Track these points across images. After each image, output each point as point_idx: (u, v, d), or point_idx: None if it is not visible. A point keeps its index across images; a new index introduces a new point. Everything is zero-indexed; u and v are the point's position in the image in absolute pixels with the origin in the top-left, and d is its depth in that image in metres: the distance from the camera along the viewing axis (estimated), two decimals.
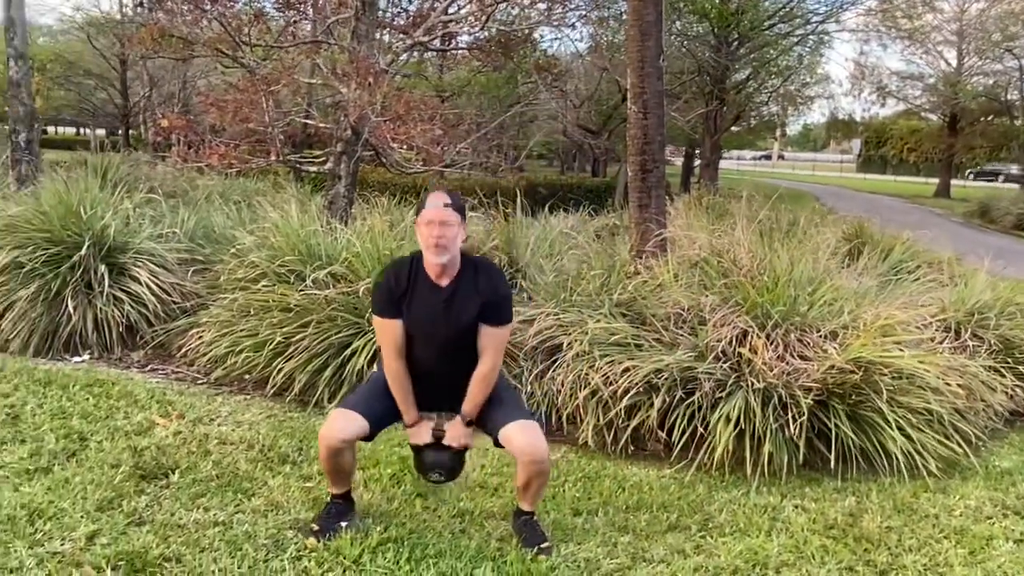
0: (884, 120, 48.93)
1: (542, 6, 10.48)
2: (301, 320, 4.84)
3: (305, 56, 9.80)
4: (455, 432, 3.05)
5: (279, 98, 8.71)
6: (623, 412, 4.19)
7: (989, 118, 33.67)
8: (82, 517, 2.96)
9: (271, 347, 4.78)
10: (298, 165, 9.07)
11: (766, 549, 3.23)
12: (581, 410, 4.31)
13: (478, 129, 10.50)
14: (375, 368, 4.11)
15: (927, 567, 3.17)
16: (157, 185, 9.48)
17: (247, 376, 4.95)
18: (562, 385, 4.45)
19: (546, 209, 9.84)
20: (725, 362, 4.27)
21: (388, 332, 2.99)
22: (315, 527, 3.04)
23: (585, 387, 4.30)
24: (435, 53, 15.66)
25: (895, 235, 8.49)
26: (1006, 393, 4.87)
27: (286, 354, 4.76)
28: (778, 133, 48.95)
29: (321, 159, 8.73)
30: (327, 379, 4.64)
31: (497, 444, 3.04)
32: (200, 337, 5.21)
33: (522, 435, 2.93)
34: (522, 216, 6.80)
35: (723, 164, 31.90)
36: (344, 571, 2.81)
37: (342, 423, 2.93)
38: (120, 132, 27.72)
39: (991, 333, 5.28)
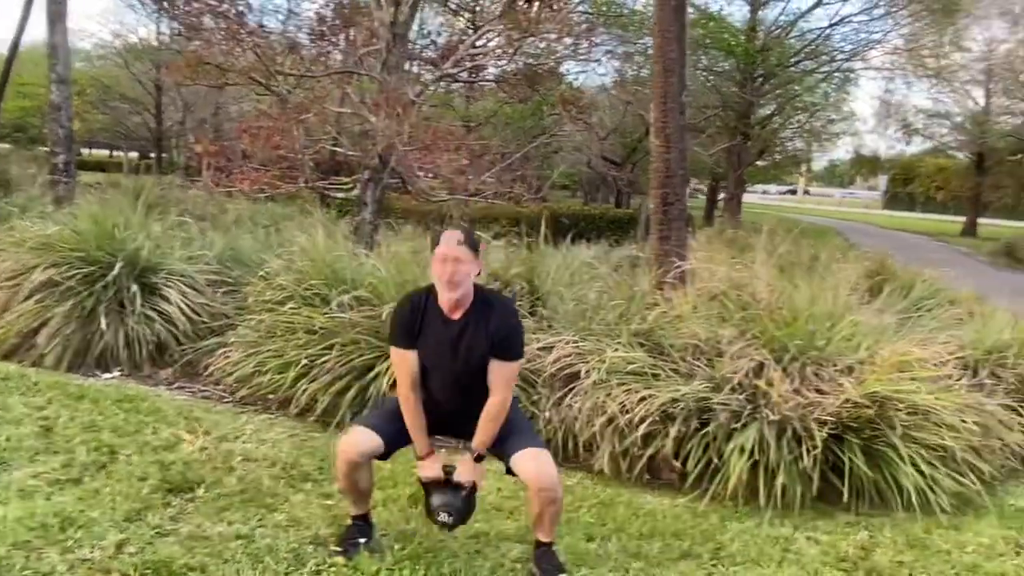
0: (911, 157, 48.78)
1: (569, 41, 10.68)
2: (325, 342, 4.96)
3: (336, 86, 10.05)
4: (465, 468, 3.07)
5: (309, 126, 8.93)
6: (639, 440, 4.25)
7: (1017, 157, 33.45)
8: (111, 526, 3.06)
9: (296, 368, 4.90)
10: (325, 191, 9.27)
11: None
12: (598, 437, 4.37)
13: (503, 159, 10.66)
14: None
15: None
16: (188, 208, 9.69)
17: (271, 396, 5.06)
18: (579, 412, 4.51)
19: (568, 239, 9.93)
20: (741, 394, 4.32)
21: (403, 362, 3.08)
22: (337, 548, 3.11)
23: (602, 415, 4.37)
24: (462, 84, 15.93)
25: (917, 272, 8.49)
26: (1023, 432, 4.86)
27: (310, 375, 4.87)
28: (803, 169, 48.86)
29: (348, 186, 8.92)
30: (349, 401, 4.74)
31: (509, 472, 3.08)
32: (227, 357, 5.34)
33: (533, 463, 2.96)
34: (545, 245, 6.90)
35: (748, 198, 31.95)
36: None
37: (360, 438, 3.02)
38: (153, 155, 28.31)
39: (1009, 372, 5.29)
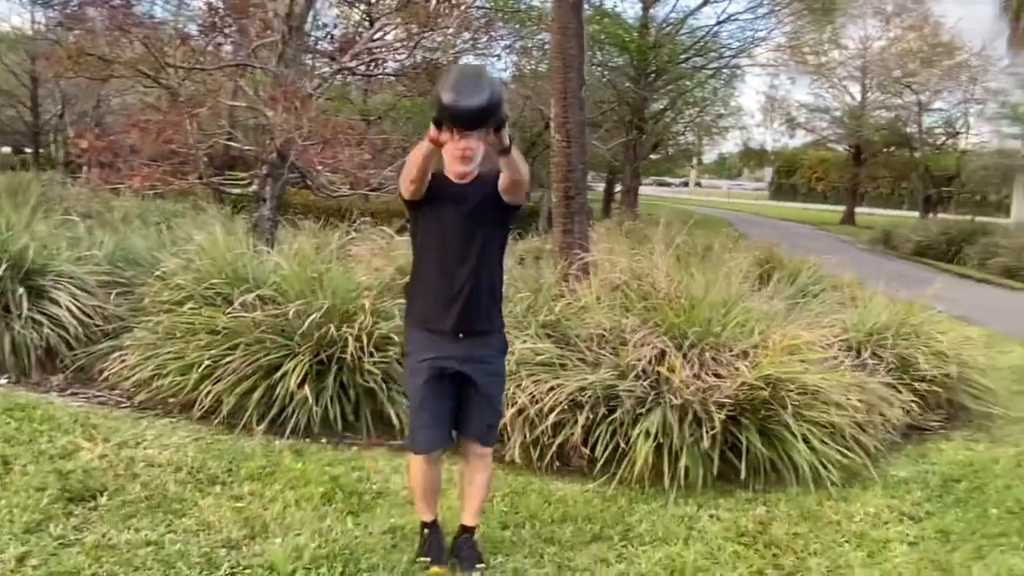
0: (794, 150, 51.00)
1: (467, 35, 10.71)
2: (229, 342, 4.85)
3: (228, 78, 9.77)
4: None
5: (201, 120, 8.65)
6: (549, 429, 4.34)
7: (891, 150, 35.51)
8: (10, 539, 2.94)
9: (198, 370, 4.77)
10: (221, 187, 9.01)
11: (683, 556, 3.43)
12: (508, 428, 4.44)
13: (404, 153, 10.61)
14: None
15: (830, 569, 3.42)
16: (72, 206, 9.25)
17: (172, 399, 4.91)
18: None
19: None
20: (645, 380, 4.48)
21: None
22: (426, 559, 3.16)
23: (512, 406, 4.44)
24: (360, 77, 15.71)
25: (802, 260, 8.93)
26: (902, 408, 5.20)
27: (213, 376, 4.76)
28: (694, 161, 50.41)
29: (245, 181, 8.70)
30: (256, 401, 4.66)
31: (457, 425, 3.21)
32: (123, 360, 5.15)
33: (479, 426, 3.16)
34: None
35: (644, 190, 32.76)
36: None
37: (428, 459, 3.15)
38: (29, 150, 26.74)
39: (889, 352, 5.65)
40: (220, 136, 9.57)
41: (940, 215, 29.75)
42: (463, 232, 3.07)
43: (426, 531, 3.28)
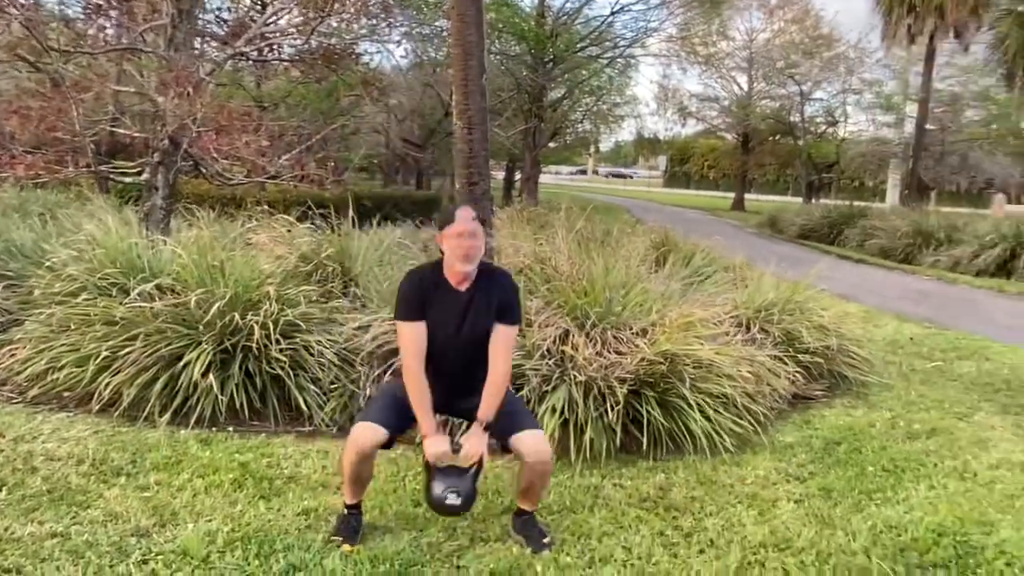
0: (687, 139, 52.56)
1: (365, 21, 10.62)
2: (128, 333, 4.73)
3: (113, 63, 9.39)
4: (474, 440, 3.12)
5: (85, 106, 8.30)
6: None
7: (776, 138, 37.08)
8: None
9: (96, 362, 4.64)
10: (110, 176, 8.68)
11: (589, 522, 3.60)
12: None
13: (300, 141, 10.46)
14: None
15: (724, 527, 3.65)
16: None
17: (68, 393, 4.76)
18: None
19: (375, 222, 9.94)
20: (550, 359, 4.64)
21: (411, 335, 3.16)
22: (338, 538, 3.22)
23: None
24: (253, 63, 15.33)
25: (696, 243, 9.30)
26: (788, 379, 5.54)
27: (112, 368, 4.64)
28: (591, 149, 51.29)
29: (136, 170, 8.41)
30: (158, 392, 4.57)
31: (504, 450, 3.32)
32: (13, 355, 4.96)
33: (533, 442, 3.20)
34: (351, 228, 6.91)
35: (543, 179, 33.18)
36: (193, 570, 2.87)
37: (368, 433, 3.13)
38: None
39: (775, 327, 6.00)
40: (106, 123, 9.19)
41: (822, 200, 31.32)
42: (459, 351, 3.22)
43: (346, 512, 3.35)
